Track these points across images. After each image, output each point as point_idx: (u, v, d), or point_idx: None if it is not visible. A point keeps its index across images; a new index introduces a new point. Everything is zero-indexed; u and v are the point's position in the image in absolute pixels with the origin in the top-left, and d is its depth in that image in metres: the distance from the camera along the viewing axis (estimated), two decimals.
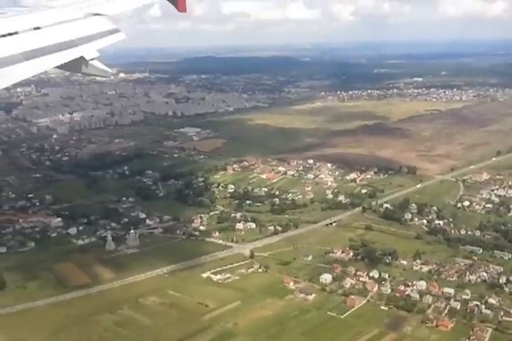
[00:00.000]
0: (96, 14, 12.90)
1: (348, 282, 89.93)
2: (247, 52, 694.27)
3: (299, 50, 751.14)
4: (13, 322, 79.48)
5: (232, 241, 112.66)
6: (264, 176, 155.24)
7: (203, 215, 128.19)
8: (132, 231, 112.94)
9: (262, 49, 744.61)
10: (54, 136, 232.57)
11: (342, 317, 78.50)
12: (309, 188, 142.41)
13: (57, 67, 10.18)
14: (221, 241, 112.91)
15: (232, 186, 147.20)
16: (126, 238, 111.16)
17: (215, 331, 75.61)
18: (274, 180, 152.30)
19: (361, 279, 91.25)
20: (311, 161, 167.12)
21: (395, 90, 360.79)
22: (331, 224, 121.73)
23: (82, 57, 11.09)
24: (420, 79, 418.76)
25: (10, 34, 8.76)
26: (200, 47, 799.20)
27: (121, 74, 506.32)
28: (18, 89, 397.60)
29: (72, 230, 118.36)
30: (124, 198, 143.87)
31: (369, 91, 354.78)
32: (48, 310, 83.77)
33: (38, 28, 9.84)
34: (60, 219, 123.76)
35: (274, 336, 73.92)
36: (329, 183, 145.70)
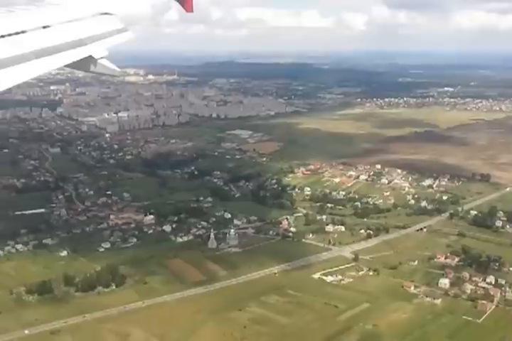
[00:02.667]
0: (105, 13, 12.92)
1: (468, 287, 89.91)
2: (262, 58, 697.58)
3: (312, 57, 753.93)
4: (147, 318, 79.93)
5: (329, 243, 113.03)
6: (337, 180, 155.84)
7: (288, 217, 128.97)
8: (232, 230, 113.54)
9: (275, 55, 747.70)
10: (106, 135, 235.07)
11: (479, 321, 78.62)
12: (388, 193, 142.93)
13: (66, 65, 10.25)
14: (318, 243, 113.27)
15: (309, 189, 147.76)
16: (227, 237, 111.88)
17: (357, 332, 75.82)
18: (349, 184, 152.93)
19: (480, 284, 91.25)
20: (378, 166, 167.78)
21: (430, 99, 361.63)
22: (421, 229, 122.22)
23: (91, 56, 11.08)
24: (451, 89, 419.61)
25: (19, 32, 8.81)
26: (215, 52, 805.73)
27: (150, 76, 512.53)
28: (52, 87, 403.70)
29: (167, 227, 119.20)
30: (201, 198, 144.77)
31: (405, 99, 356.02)
32: (176, 306, 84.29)
33: (48, 26, 9.87)
34: (152, 216, 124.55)
35: (419, 339, 74.12)
36: (406, 189, 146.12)
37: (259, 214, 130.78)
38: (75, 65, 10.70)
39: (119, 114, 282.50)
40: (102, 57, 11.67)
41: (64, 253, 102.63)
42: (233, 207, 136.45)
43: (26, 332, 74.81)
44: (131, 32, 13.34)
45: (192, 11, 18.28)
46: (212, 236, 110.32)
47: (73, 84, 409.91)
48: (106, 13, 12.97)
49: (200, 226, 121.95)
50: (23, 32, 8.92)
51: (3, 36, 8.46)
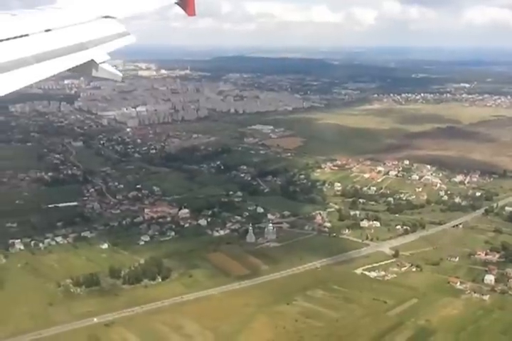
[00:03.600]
0: (106, 17, 12.78)
1: None
2: (271, 53, 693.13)
3: (322, 52, 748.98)
4: (197, 311, 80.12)
5: (367, 238, 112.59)
6: (366, 175, 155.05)
7: (321, 212, 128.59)
8: (270, 225, 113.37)
9: (285, 50, 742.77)
10: (128, 129, 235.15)
11: None
12: (420, 189, 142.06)
13: (68, 70, 10.05)
14: (355, 239, 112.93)
15: (339, 184, 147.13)
16: (265, 231, 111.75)
17: (410, 328, 75.53)
18: (379, 180, 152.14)
19: None
20: (407, 162, 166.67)
21: (448, 95, 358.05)
22: (457, 225, 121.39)
23: (92, 60, 10.90)
24: (467, 85, 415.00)
25: (21, 36, 8.66)
26: (223, 46, 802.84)
27: (163, 71, 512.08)
28: (66, 81, 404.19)
29: (203, 222, 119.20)
30: (231, 192, 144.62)
31: (422, 95, 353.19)
32: (224, 299, 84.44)
33: (49, 30, 9.73)
34: (187, 210, 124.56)
35: (474, 334, 73.73)
36: (438, 185, 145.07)
37: (291, 209, 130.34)
38: (77, 70, 10.57)
39: (138, 109, 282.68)
40: (103, 62, 11.51)
41: (105, 246, 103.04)
42: (264, 202, 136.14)
43: (95, 319, 76.16)
44: (132, 35, 13.25)
45: (194, 15, 18.05)
46: (250, 230, 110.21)
47: (87, 79, 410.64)
48: (108, 17, 12.83)
49: (234, 221, 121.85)
50: (25, 36, 8.79)
51: (4, 40, 8.30)
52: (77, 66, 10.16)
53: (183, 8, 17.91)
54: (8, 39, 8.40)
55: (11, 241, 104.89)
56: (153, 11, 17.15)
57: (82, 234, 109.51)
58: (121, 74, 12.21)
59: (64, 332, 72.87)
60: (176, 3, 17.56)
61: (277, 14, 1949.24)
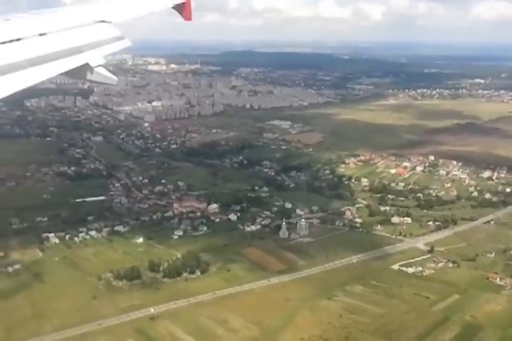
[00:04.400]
0: (101, 21, 12.83)
1: None
2: (279, 48, 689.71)
3: (330, 47, 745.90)
4: (239, 305, 79.93)
5: (400, 234, 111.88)
6: (392, 171, 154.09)
7: (350, 208, 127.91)
8: (303, 220, 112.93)
9: (292, 45, 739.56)
10: (145, 124, 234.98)
11: None
12: (449, 185, 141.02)
13: (63, 73, 10.00)
14: (388, 235, 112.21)
15: (366, 180, 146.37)
16: (297, 227, 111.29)
17: (457, 323, 74.85)
18: (406, 176, 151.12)
19: None
20: (432, 158, 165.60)
21: (463, 91, 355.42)
22: (488, 222, 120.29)
23: (87, 64, 10.86)
24: (482, 80, 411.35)
25: (14, 40, 8.58)
26: (230, 42, 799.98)
27: (173, 65, 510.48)
28: None
29: (232, 216, 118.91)
30: (256, 187, 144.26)
31: (438, 90, 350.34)
32: (264, 294, 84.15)
33: (44, 34, 9.68)
34: (215, 205, 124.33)
35: None
36: (467, 181, 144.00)
37: (319, 205, 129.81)
38: (72, 73, 10.56)
39: (153, 104, 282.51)
40: (98, 65, 11.48)
41: (140, 240, 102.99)
42: (290, 197, 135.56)
43: (152, 310, 76.61)
44: (127, 40, 13.36)
45: (191, 19, 18.11)
46: (283, 226, 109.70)
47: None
48: (103, 21, 12.92)
49: (264, 216, 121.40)
50: (18, 40, 8.72)
51: None
52: (72, 69, 10.15)
53: (179, 12, 18.08)
54: (1, 43, 8.32)
55: (44, 235, 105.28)
56: (149, 15, 17.00)
57: (115, 228, 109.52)
58: (116, 78, 12.35)
59: (111, 325, 72.93)
60: (172, 7, 17.62)
61: (284, 9, 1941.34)
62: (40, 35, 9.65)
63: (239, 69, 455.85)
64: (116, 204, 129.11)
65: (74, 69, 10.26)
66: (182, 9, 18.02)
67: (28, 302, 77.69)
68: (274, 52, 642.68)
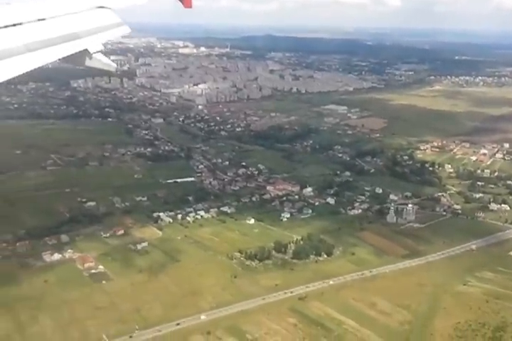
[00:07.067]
0: (100, 7, 12.59)
1: None
2: (296, 33, 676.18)
3: (348, 33, 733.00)
4: (379, 288, 79.70)
5: (506, 222, 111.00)
6: (473, 158, 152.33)
7: (444, 194, 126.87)
8: (410, 205, 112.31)
9: (309, 30, 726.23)
10: (199, 107, 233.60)
11: None
12: None
13: (61, 59, 9.91)
14: (493, 221, 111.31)
15: (449, 166, 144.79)
16: (404, 212, 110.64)
17: None
18: (488, 163, 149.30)
19: None
20: (506, 145, 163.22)
21: (507, 78, 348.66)
22: None
23: (86, 50, 10.78)
24: None
25: (14, 25, 8.41)
26: (244, 26, 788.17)
27: (203, 48, 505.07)
28: (112, 58, 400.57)
29: (331, 200, 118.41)
30: (338, 172, 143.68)
31: (480, 77, 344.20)
32: (397, 278, 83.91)
33: (43, 19, 9.56)
34: (310, 188, 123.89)
35: None
36: None
37: (410, 191, 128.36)
38: (70, 59, 10.46)
39: (200, 86, 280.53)
40: (97, 51, 11.34)
41: (251, 221, 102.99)
42: (376, 182, 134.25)
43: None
44: (127, 26, 13.12)
45: (191, 7, 18.06)
46: (391, 211, 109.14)
47: (130, 55, 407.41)
48: (102, 7, 12.71)
49: (360, 200, 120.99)
50: (18, 24, 8.51)
51: None
52: (70, 55, 10.06)
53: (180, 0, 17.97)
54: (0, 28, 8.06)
55: (155, 214, 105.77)
56: (148, 2, 17.03)
57: (221, 209, 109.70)
58: (115, 65, 12.15)
59: (264, 304, 73.34)
60: None
61: None
62: (40, 20, 9.45)
63: (270, 54, 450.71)
64: (207, 186, 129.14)
65: (73, 55, 10.19)
66: None
67: (175, 281, 78.28)
68: (293, 37, 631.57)
